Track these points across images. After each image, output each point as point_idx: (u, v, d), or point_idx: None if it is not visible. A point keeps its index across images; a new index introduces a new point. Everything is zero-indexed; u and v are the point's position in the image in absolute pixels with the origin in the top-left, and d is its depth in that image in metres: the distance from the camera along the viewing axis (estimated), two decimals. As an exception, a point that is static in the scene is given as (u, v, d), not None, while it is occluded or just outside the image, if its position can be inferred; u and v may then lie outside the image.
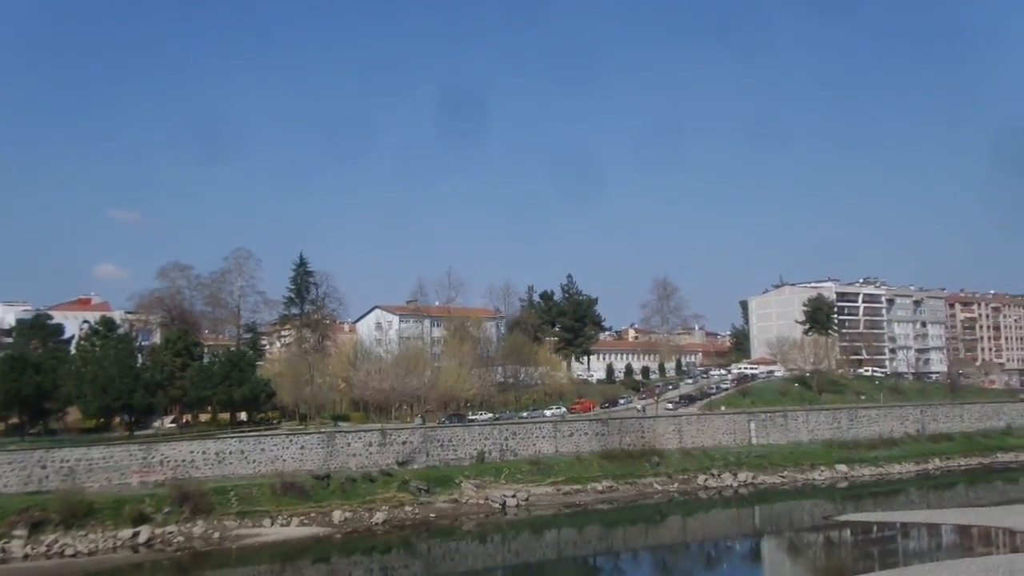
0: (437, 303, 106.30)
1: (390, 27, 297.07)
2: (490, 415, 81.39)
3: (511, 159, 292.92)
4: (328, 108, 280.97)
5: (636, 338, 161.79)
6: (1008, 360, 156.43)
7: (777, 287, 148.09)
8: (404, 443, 66.44)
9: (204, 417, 76.98)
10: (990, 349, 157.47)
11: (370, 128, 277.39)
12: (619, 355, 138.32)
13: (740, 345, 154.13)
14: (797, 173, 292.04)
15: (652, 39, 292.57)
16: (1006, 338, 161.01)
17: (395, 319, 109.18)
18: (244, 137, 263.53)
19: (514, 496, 62.66)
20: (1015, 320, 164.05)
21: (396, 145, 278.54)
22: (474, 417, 79.47)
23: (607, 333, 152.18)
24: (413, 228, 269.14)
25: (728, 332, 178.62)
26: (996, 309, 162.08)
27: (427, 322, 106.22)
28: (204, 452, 59.38)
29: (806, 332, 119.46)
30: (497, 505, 61.03)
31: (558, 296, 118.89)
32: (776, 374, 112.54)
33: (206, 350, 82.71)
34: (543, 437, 73.36)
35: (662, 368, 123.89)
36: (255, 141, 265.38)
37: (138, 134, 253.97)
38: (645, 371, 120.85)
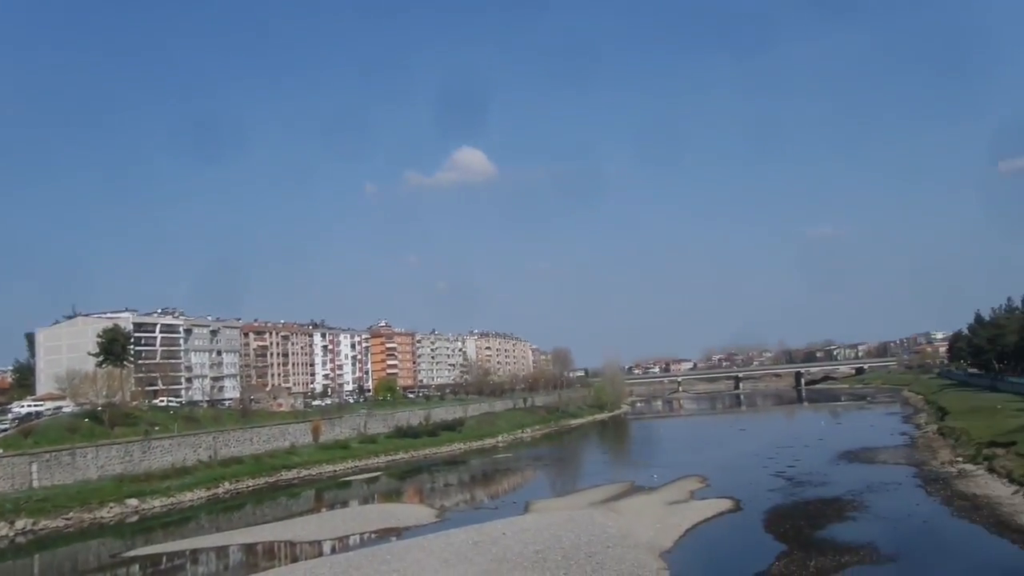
0: None
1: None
2: None
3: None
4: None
5: None
6: (295, 384, 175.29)
7: (70, 318, 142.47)
8: None
9: None
10: (280, 375, 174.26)
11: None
12: None
13: (24, 381, 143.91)
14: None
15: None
16: (293, 364, 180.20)
17: None
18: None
19: None
20: (301, 347, 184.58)
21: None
22: None
23: None
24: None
25: (10, 367, 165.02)
26: (286, 337, 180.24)
27: None
28: None
29: (100, 364, 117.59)
30: None
31: None
32: (65, 410, 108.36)
33: None
34: None
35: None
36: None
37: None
38: None
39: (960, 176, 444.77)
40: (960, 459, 74.39)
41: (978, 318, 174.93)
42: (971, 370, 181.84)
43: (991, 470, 64.65)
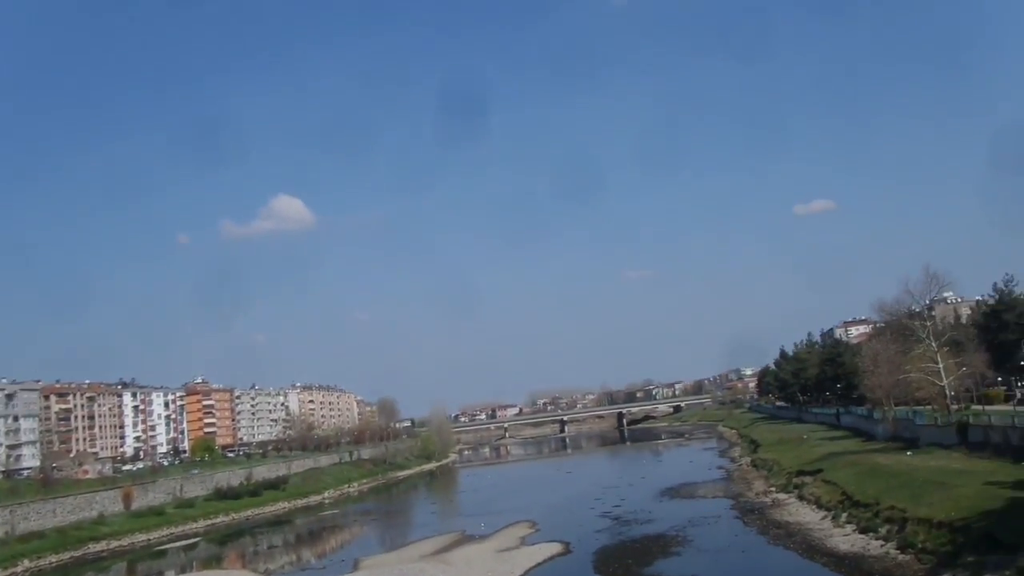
0: None
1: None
2: None
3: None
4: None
5: None
6: (102, 448, 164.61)
7: None
8: None
9: None
10: (85, 439, 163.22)
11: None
12: None
13: None
14: None
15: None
16: (100, 427, 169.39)
17: None
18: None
19: None
20: (109, 408, 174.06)
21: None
22: None
23: None
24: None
25: None
26: (91, 399, 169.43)
27: None
28: None
29: None
30: None
31: None
32: None
33: None
34: None
35: None
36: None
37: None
38: None
39: (759, 219, 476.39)
40: (773, 489, 78.55)
41: (783, 353, 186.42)
42: (779, 403, 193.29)
43: (801, 498, 68.59)
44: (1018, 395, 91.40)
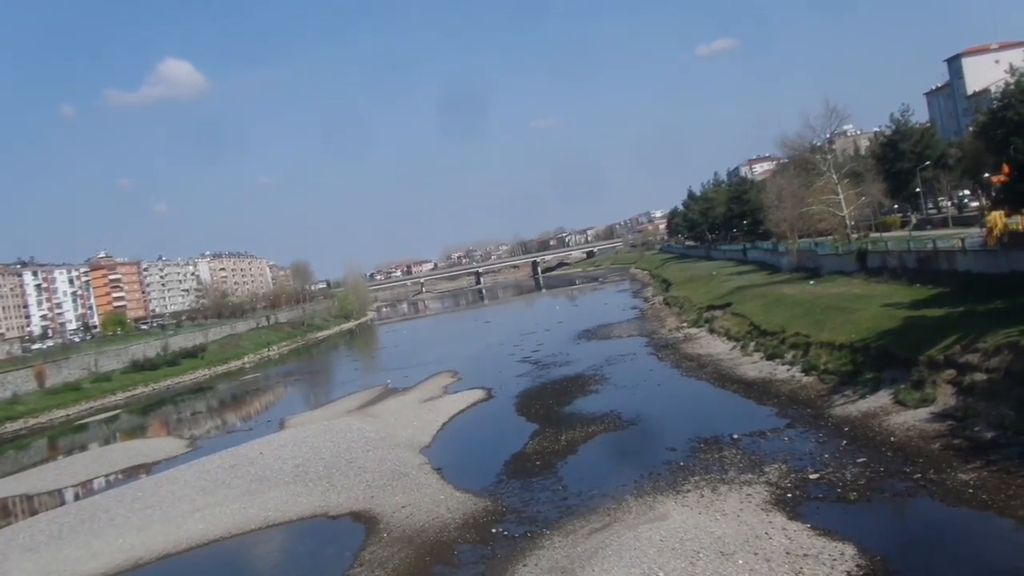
0: None
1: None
2: None
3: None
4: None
5: None
6: (8, 329, 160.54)
7: None
8: None
9: None
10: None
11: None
12: None
13: None
14: None
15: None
16: (3, 307, 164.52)
17: None
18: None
19: None
20: (10, 289, 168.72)
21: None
22: None
23: None
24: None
25: None
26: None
27: None
28: None
29: None
30: None
31: None
32: None
33: None
34: None
35: None
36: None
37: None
38: None
39: (662, 62, 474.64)
40: (685, 324, 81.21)
41: (691, 194, 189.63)
42: (688, 243, 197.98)
43: (712, 331, 71.20)
44: (913, 220, 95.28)
